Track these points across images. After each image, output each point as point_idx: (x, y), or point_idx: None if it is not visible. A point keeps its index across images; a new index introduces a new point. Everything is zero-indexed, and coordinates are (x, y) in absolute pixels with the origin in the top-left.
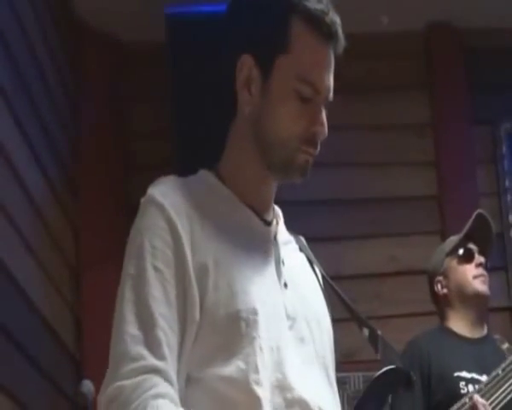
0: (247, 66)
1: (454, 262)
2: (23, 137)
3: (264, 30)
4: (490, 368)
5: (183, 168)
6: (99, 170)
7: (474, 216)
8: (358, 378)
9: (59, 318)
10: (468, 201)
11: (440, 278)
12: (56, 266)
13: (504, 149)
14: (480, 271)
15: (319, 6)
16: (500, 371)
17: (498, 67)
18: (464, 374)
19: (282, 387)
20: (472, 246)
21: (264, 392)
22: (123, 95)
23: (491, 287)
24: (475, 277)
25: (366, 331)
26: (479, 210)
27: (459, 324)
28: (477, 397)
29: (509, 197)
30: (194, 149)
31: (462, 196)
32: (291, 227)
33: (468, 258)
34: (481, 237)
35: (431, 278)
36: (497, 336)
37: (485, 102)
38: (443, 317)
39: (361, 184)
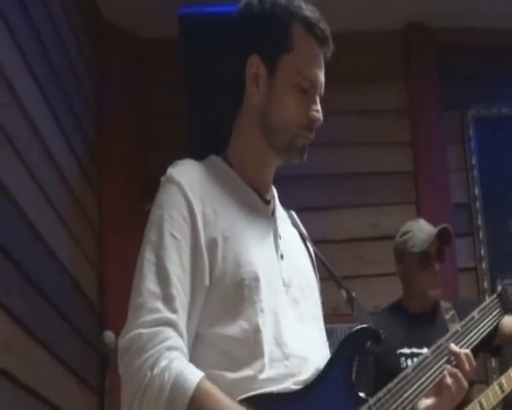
0: (255, 65)
1: (415, 262)
2: (55, 121)
3: (269, 35)
4: (431, 341)
5: (193, 149)
6: (119, 147)
7: (439, 229)
8: (343, 329)
9: (84, 276)
10: (439, 176)
11: (399, 267)
12: (82, 230)
13: (471, 131)
14: (432, 279)
15: (314, 14)
16: (476, 314)
17: (466, 61)
18: (405, 350)
19: (278, 343)
20: (432, 252)
21: (265, 347)
22: (140, 82)
23: (460, 250)
24: (429, 283)
25: (344, 293)
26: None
27: (409, 302)
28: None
29: (475, 173)
30: (203, 132)
31: (435, 171)
32: (286, 198)
33: (425, 265)
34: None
35: (395, 257)
36: (445, 304)
37: (454, 91)
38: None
39: (347, 162)
